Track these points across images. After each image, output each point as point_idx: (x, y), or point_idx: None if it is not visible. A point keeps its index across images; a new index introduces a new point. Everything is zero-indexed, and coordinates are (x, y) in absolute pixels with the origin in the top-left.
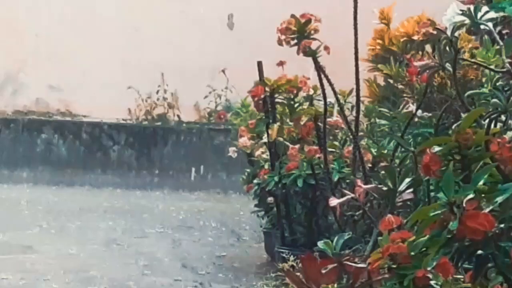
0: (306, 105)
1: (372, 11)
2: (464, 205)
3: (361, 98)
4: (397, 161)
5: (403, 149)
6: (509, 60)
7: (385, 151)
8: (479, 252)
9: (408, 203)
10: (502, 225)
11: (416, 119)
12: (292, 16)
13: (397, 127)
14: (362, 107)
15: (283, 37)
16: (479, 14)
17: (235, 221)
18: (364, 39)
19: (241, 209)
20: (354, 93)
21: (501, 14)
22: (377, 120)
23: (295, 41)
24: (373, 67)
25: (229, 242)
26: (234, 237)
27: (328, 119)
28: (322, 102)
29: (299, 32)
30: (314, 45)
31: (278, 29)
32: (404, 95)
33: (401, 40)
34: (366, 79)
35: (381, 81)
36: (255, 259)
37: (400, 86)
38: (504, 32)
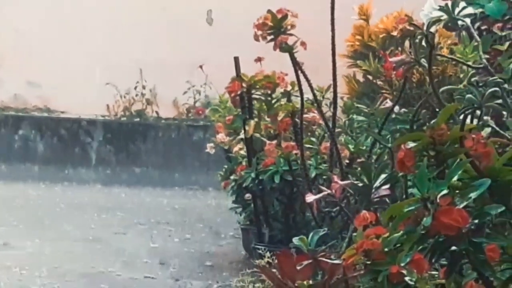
0: (284, 101)
1: (352, 8)
2: (438, 201)
3: (341, 95)
4: (374, 157)
5: (381, 145)
6: (486, 56)
7: (363, 147)
8: (453, 248)
9: (386, 199)
10: (476, 221)
11: (394, 115)
12: (269, 11)
13: (375, 123)
14: (341, 103)
15: (259, 32)
16: (457, 10)
17: (213, 218)
18: (345, 35)
19: (219, 206)
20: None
21: (480, 10)
22: (355, 117)
23: (272, 36)
24: (352, 63)
25: (207, 238)
26: (212, 234)
27: (306, 115)
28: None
29: (276, 28)
30: (291, 40)
31: (255, 24)
32: (383, 91)
33: (380, 36)
34: (345, 76)
35: (360, 77)
36: (232, 255)
37: (379, 83)
38: (483, 28)
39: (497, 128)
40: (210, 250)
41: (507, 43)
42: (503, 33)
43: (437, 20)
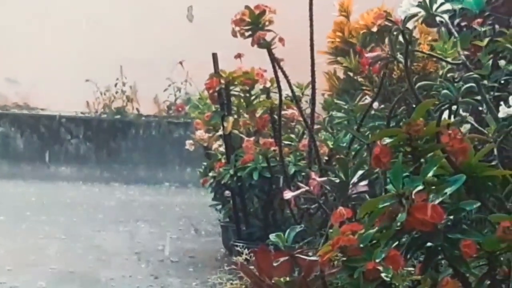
0: (263, 97)
1: (333, 4)
2: (413, 196)
3: (321, 91)
4: (353, 153)
5: (360, 142)
6: (466, 52)
7: (342, 144)
8: (429, 244)
9: (367, 195)
10: (451, 217)
11: (373, 112)
12: (246, 7)
13: (354, 120)
14: (321, 100)
15: (237, 28)
16: (435, 6)
17: (194, 215)
18: (328, 32)
19: (199, 203)
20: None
21: (459, 6)
22: (333, 113)
23: (249, 32)
24: (333, 60)
25: (187, 235)
26: (192, 231)
27: (285, 112)
28: (283, 94)
29: (253, 24)
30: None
31: (232, 20)
32: (364, 88)
33: (361, 32)
34: (326, 72)
35: (341, 74)
36: (212, 252)
37: (360, 79)
38: (462, 24)
39: (476, 125)
40: (190, 247)
41: (487, 39)
42: (483, 29)
43: (413, 16)
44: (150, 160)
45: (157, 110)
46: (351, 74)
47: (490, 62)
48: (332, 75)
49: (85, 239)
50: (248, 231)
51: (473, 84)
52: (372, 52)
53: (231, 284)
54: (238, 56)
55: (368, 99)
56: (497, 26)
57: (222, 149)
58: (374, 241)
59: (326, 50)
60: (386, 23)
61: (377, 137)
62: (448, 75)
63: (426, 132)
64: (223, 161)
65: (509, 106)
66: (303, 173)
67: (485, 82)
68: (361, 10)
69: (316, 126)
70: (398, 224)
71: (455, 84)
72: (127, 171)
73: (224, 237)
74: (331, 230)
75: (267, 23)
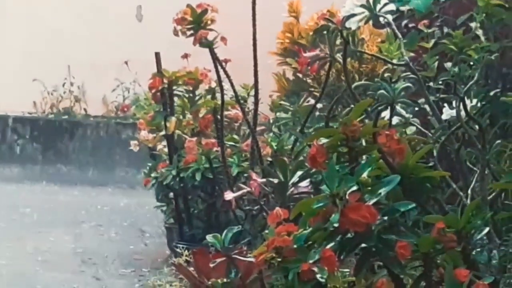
0: (209, 98)
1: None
2: (347, 197)
3: (270, 92)
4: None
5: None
6: (412, 54)
7: (287, 145)
8: (364, 245)
9: (312, 196)
10: (385, 218)
11: (318, 113)
12: (188, 6)
13: (299, 121)
14: (269, 101)
15: (178, 27)
16: (378, 6)
17: (140, 216)
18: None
19: (146, 204)
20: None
21: (406, 7)
22: (277, 114)
23: (191, 31)
24: (282, 61)
25: (133, 237)
26: (138, 233)
27: (228, 112)
28: (229, 95)
29: (195, 23)
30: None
31: (174, 19)
32: (312, 89)
33: (310, 33)
34: (275, 73)
35: (290, 75)
36: (156, 254)
37: (308, 80)
38: (410, 25)
39: (420, 127)
40: (135, 249)
41: (433, 41)
42: (429, 31)
43: (352, 16)
44: (98, 161)
45: (106, 110)
46: (300, 75)
47: (436, 63)
48: (281, 76)
49: (28, 240)
50: (190, 232)
51: (410, 85)
52: (311, 52)
53: (170, 285)
54: (185, 56)
55: (311, 100)
56: (446, 28)
57: (166, 149)
58: (311, 242)
59: (276, 51)
60: (325, 22)
61: (313, 137)
62: (386, 75)
63: (362, 132)
64: (167, 162)
65: (452, 108)
66: (245, 174)
67: (431, 84)
68: (311, 11)
69: (261, 127)
70: (334, 225)
71: (393, 85)
72: (74, 172)
73: (168, 238)
74: (266, 231)
75: (209, 22)
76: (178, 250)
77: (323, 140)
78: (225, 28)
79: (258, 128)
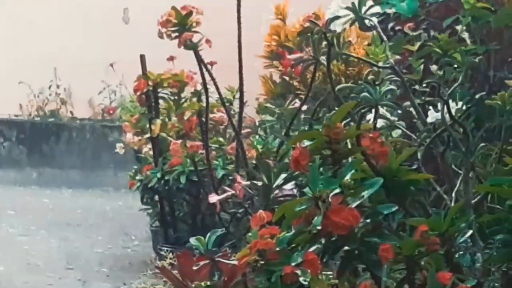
0: (194, 100)
1: (269, 7)
2: (329, 199)
3: (257, 95)
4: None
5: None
6: (398, 56)
7: (272, 148)
8: (346, 247)
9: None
10: (368, 220)
11: (303, 116)
12: (173, 8)
13: (284, 124)
14: (255, 104)
15: (163, 30)
16: (364, 9)
17: (126, 219)
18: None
19: (132, 207)
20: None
21: (393, 10)
22: (263, 117)
23: (176, 34)
24: (269, 64)
25: (118, 240)
26: (123, 236)
27: (214, 115)
28: (215, 98)
29: (180, 25)
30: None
31: (159, 21)
32: (298, 91)
33: (297, 36)
34: (262, 76)
35: (277, 78)
36: (141, 257)
37: (295, 83)
38: (396, 28)
39: (405, 130)
40: (120, 252)
41: (418, 44)
42: (414, 33)
43: (336, 18)
44: (84, 164)
45: (92, 113)
46: (286, 78)
47: (422, 66)
48: (268, 79)
49: (13, 244)
50: (175, 235)
51: (393, 87)
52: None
53: None
54: (171, 58)
55: (297, 102)
56: (432, 31)
57: (152, 152)
58: (294, 245)
59: (263, 54)
60: (309, 24)
61: (296, 140)
62: (369, 77)
63: (346, 135)
64: (152, 164)
65: (437, 111)
66: (230, 177)
67: (417, 87)
68: (299, 13)
69: (247, 130)
70: (317, 227)
71: (376, 87)
72: (60, 175)
73: (154, 241)
74: (250, 234)
75: (194, 24)
76: (162, 253)
77: (306, 143)
78: (211, 30)
79: (243, 131)
